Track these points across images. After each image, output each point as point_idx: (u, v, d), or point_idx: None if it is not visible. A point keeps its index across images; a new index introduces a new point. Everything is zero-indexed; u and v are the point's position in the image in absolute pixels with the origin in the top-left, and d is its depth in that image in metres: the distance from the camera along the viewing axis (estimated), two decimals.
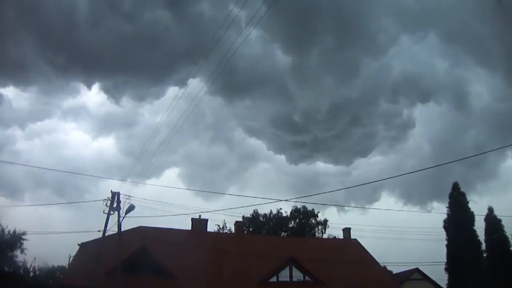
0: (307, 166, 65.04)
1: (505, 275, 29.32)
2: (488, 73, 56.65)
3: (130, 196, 20.62)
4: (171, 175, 67.61)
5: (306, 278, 25.34)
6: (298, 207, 44.89)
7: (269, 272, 24.72)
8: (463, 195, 34.19)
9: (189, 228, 28.50)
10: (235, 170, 69.79)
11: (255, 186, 70.00)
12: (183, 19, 42.63)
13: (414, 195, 57.44)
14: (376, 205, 60.36)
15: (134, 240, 22.70)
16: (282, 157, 73.89)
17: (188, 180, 65.72)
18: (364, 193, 57.63)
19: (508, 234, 32.45)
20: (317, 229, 44.57)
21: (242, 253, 25.23)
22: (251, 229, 42.65)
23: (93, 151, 70.67)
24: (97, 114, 66.48)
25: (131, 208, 20.25)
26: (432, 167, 15.85)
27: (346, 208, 62.72)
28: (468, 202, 33.82)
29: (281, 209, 45.17)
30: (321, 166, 77.67)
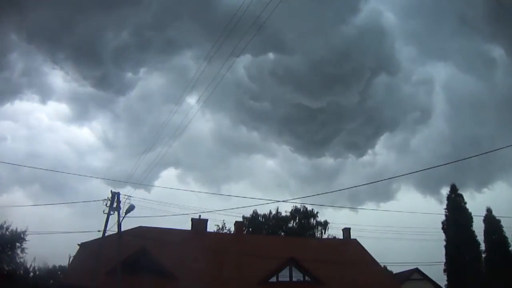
0: (319, 158, 59.28)
1: (505, 275, 29.42)
2: None
3: (130, 196, 20.69)
4: (170, 174, 67.19)
5: (306, 278, 25.34)
6: (298, 207, 44.91)
7: (269, 272, 24.72)
8: (460, 196, 34.58)
9: (189, 228, 28.52)
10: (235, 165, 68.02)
11: (258, 183, 68.49)
12: None
13: (432, 185, 54.66)
14: (396, 197, 59.33)
15: (134, 240, 22.68)
16: (291, 144, 63.84)
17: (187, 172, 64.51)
18: (383, 186, 56.54)
19: (507, 234, 32.63)
20: (316, 230, 44.52)
21: (242, 253, 25.25)
22: (250, 229, 42.66)
23: (67, 136, 69.13)
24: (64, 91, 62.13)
25: (131, 208, 20.28)
26: (434, 167, 15.72)
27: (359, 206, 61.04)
28: (465, 203, 34.17)
29: (285, 211, 45.16)
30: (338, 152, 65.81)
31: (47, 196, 59.82)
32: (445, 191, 52.52)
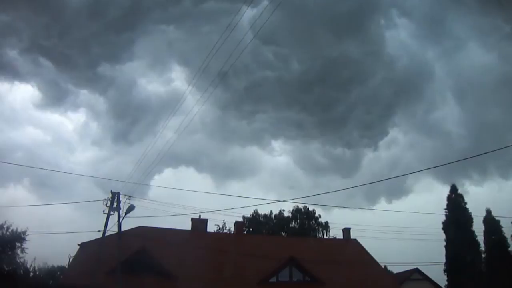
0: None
1: (504, 275, 29.45)
2: None
3: (130, 196, 20.69)
4: (168, 172, 65.55)
5: (306, 278, 25.36)
6: (300, 207, 44.88)
7: (269, 272, 24.73)
8: (460, 196, 34.68)
9: (189, 228, 28.53)
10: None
11: (263, 179, 65.09)
12: None
13: (452, 174, 52.61)
14: (414, 189, 57.01)
15: (134, 240, 22.70)
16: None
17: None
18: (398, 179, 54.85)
19: (506, 235, 32.66)
20: (318, 231, 44.50)
21: (242, 253, 25.26)
22: (251, 229, 42.65)
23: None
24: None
25: (131, 208, 20.29)
26: (435, 166, 15.71)
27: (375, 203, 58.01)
28: (466, 203, 34.22)
29: (283, 210, 45.21)
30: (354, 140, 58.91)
31: (38, 192, 58.83)
32: (467, 180, 50.83)
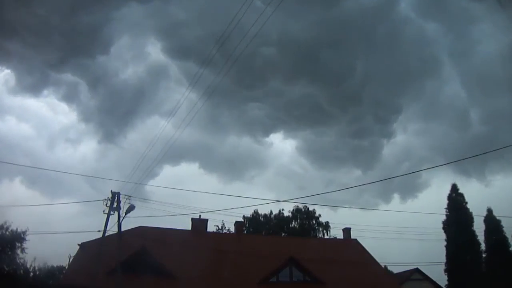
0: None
1: (505, 275, 29.43)
2: None
3: (130, 196, 20.67)
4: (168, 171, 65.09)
5: (306, 278, 25.34)
6: (300, 207, 44.89)
7: (269, 272, 24.71)
8: (461, 196, 34.57)
9: (189, 228, 28.53)
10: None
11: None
12: None
13: (469, 167, 51.97)
14: (431, 183, 55.87)
15: (134, 240, 22.70)
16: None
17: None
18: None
19: (507, 235, 32.64)
20: (318, 231, 44.49)
21: (242, 253, 25.25)
22: (251, 229, 42.66)
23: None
24: None
25: (131, 208, 20.28)
26: (429, 168, 15.63)
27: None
28: (466, 203, 34.16)
29: (283, 210, 45.27)
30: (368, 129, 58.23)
31: (34, 189, 58.45)
32: (488, 170, 49.55)
